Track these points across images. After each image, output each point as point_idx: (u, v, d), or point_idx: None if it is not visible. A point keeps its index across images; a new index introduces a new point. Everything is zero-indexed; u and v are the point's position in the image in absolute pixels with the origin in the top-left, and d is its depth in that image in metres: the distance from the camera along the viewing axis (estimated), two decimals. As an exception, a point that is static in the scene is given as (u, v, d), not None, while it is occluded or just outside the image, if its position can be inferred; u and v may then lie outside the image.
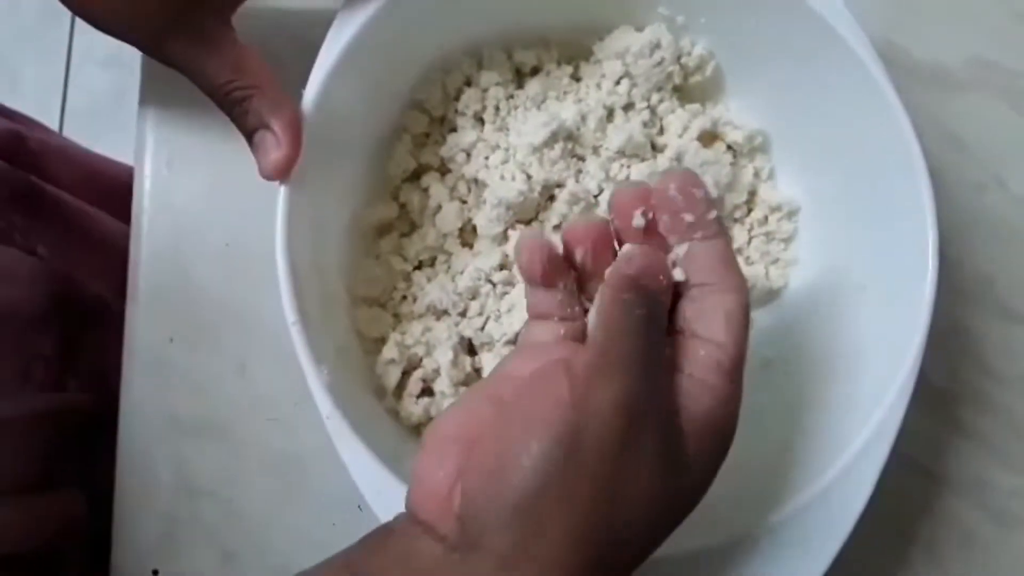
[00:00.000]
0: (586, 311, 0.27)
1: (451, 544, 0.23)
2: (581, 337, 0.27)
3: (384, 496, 0.30)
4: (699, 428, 0.24)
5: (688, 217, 0.26)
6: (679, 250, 0.26)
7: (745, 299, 0.26)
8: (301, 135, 0.31)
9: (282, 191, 0.31)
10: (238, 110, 0.31)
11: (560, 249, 0.27)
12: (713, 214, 0.26)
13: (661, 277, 0.25)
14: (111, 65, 1.20)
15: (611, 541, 0.23)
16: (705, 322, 0.25)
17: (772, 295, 0.39)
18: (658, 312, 0.25)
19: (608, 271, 0.25)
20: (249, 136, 0.32)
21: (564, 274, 0.27)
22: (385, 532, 0.25)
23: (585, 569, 0.22)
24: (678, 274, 0.26)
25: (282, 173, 0.31)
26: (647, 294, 0.24)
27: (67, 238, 0.45)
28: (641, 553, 0.24)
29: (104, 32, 0.32)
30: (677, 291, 0.26)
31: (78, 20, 0.31)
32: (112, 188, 0.52)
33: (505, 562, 0.22)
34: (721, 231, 0.26)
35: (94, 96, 1.20)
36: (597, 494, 0.22)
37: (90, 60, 1.21)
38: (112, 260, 0.47)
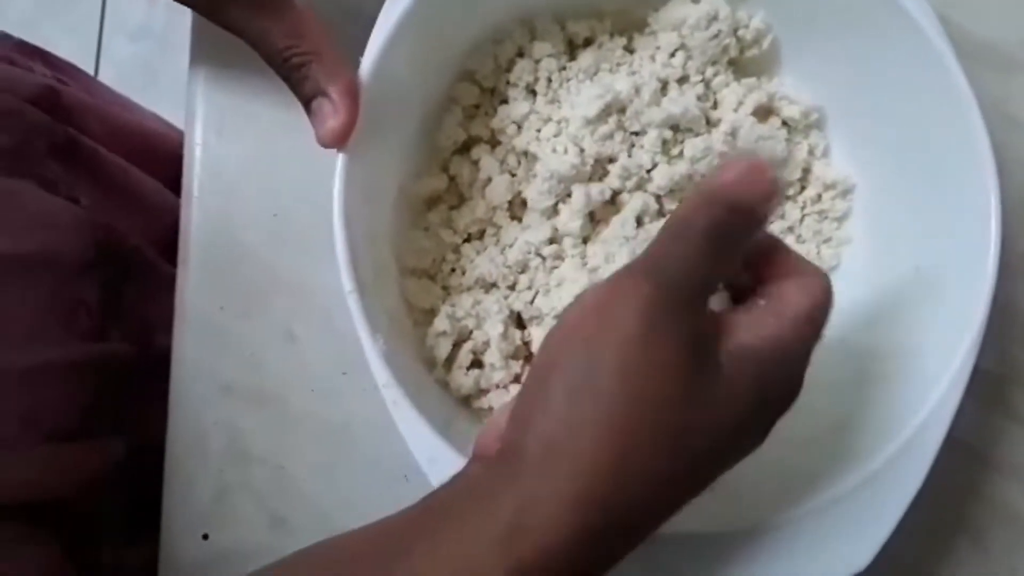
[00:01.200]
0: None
1: (493, 462, 0.24)
2: None
3: (437, 464, 0.30)
4: (737, 362, 0.24)
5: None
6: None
7: (825, 281, 0.26)
8: (359, 103, 0.31)
9: (340, 159, 0.31)
10: (296, 76, 0.31)
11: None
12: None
13: (756, 185, 0.24)
14: (142, 37, 1.20)
15: (637, 444, 0.22)
16: (777, 284, 0.26)
17: (823, 274, 0.38)
18: (726, 224, 0.24)
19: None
20: (306, 103, 0.31)
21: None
22: None
23: (612, 464, 0.22)
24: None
25: (339, 141, 0.31)
26: (724, 207, 0.24)
27: (104, 190, 0.45)
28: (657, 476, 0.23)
29: None
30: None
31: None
32: (144, 145, 0.52)
33: (533, 458, 0.23)
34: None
35: (125, 68, 1.20)
36: (620, 396, 0.22)
37: (121, 32, 1.21)
38: (147, 215, 0.47)
